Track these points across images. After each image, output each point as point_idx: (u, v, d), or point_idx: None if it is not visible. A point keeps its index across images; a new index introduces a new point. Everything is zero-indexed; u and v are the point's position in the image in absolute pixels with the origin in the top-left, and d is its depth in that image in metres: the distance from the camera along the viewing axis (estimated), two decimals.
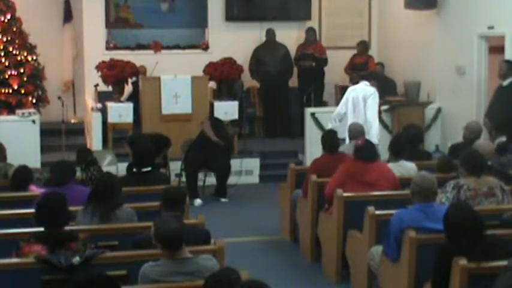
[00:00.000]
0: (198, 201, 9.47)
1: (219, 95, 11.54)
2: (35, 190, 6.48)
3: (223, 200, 9.74)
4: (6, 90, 11.01)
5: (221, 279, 3.66)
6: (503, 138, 7.27)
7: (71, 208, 5.01)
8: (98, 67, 11.18)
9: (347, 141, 7.96)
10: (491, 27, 9.99)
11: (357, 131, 7.96)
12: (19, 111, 10.54)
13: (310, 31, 12.52)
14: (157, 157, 7.96)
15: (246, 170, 10.64)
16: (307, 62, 12.35)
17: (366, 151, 6.59)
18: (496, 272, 4.16)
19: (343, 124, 8.81)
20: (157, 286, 4.23)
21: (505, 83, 9.21)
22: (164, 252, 4.29)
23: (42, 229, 4.64)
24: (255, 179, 10.84)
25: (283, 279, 6.49)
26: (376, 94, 8.95)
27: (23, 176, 6.61)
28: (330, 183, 6.59)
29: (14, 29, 11.33)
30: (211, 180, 10.18)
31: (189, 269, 4.25)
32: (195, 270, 4.23)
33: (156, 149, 7.68)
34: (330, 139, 7.41)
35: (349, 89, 9.27)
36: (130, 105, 10.77)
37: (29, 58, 11.36)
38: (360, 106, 8.91)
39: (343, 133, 8.22)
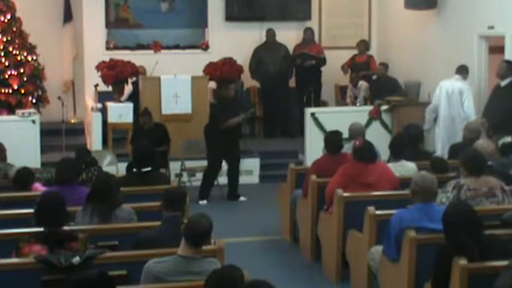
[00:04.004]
0: (204, 202, 9.58)
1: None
2: (39, 188, 6.48)
3: (242, 198, 9.78)
4: (6, 90, 11.01)
5: (224, 277, 3.66)
6: (508, 139, 7.23)
7: (71, 208, 5.01)
8: (98, 67, 11.17)
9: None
10: (491, 27, 9.99)
11: (356, 131, 7.94)
12: (19, 111, 10.54)
13: (308, 31, 12.52)
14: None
15: (246, 170, 10.63)
16: (307, 61, 12.33)
17: (365, 152, 6.56)
18: (496, 272, 4.16)
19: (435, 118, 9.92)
20: (159, 286, 4.23)
21: (503, 83, 9.20)
22: (187, 245, 4.30)
23: (42, 229, 4.64)
24: (255, 179, 10.84)
25: (283, 279, 6.48)
26: (471, 88, 9.71)
27: (24, 177, 6.60)
28: (331, 185, 6.57)
29: (14, 29, 11.33)
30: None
31: (194, 269, 4.27)
32: (200, 272, 4.23)
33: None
34: (333, 140, 7.39)
35: (441, 83, 9.89)
36: (130, 105, 10.77)
37: (29, 58, 11.36)
38: (455, 99, 9.62)
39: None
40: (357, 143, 6.82)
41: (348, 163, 6.66)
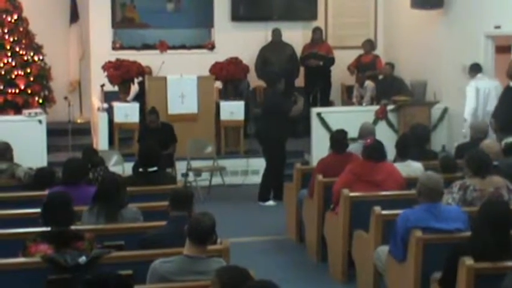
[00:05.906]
0: (270, 202, 9.53)
1: (225, 94, 11.53)
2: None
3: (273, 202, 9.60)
4: (13, 90, 11.02)
5: (235, 272, 3.68)
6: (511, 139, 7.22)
7: (77, 208, 5.01)
8: (104, 67, 11.18)
9: None
10: (498, 27, 9.96)
11: (367, 131, 7.93)
12: (26, 111, 10.56)
13: (317, 31, 12.50)
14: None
15: (252, 169, 10.63)
16: (314, 61, 12.31)
17: (375, 151, 6.56)
18: (503, 272, 4.15)
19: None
20: (165, 286, 4.24)
21: None
22: (192, 244, 4.29)
23: (48, 229, 4.65)
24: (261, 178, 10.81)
25: (289, 279, 6.49)
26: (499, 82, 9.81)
27: (44, 178, 6.58)
28: (338, 182, 6.57)
29: (21, 29, 11.35)
30: (217, 180, 10.20)
31: (200, 268, 4.27)
32: (206, 271, 4.23)
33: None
34: (338, 138, 7.39)
35: (474, 84, 9.86)
36: (136, 105, 10.78)
37: (36, 58, 11.38)
38: (492, 97, 9.66)
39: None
40: (368, 141, 6.85)
41: (357, 161, 6.67)
